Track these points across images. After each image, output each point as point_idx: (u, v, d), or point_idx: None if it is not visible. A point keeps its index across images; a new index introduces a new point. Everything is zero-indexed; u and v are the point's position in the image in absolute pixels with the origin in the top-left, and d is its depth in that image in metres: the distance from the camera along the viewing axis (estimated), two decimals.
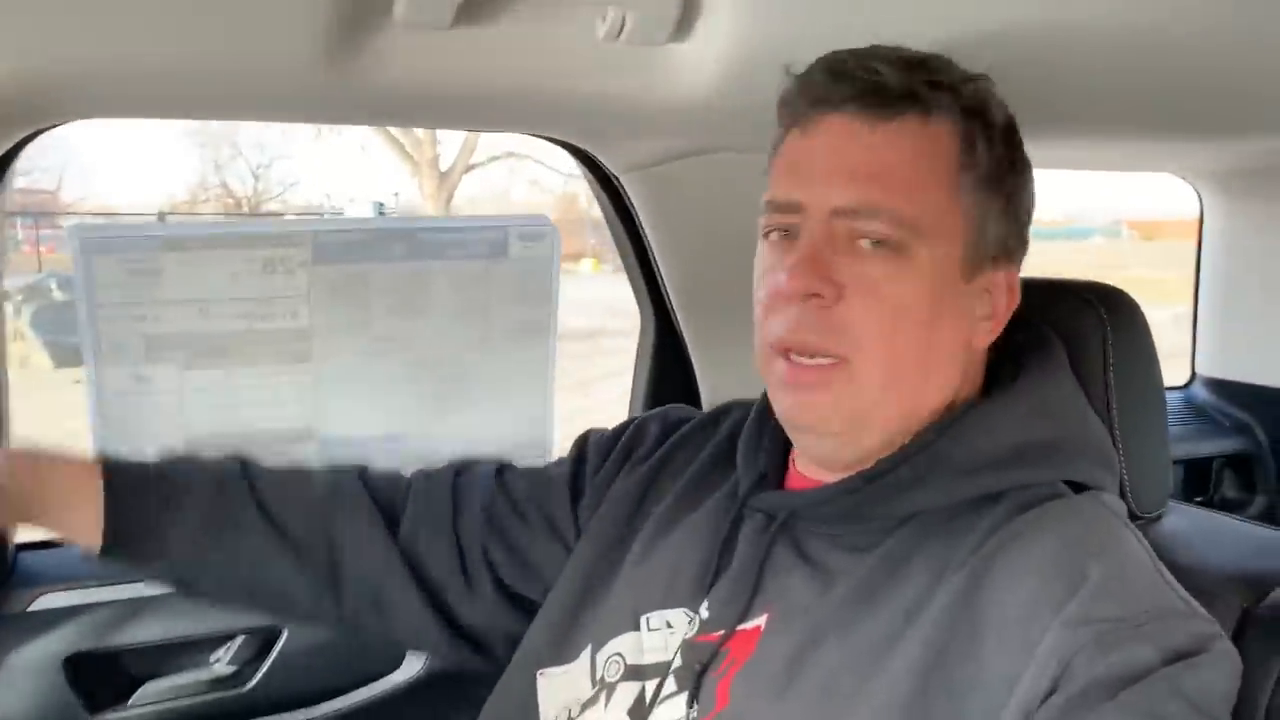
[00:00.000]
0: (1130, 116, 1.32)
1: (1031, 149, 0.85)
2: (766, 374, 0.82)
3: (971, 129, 0.79)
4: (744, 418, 0.95)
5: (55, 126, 1.05)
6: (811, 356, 0.78)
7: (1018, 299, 0.84)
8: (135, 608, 1.23)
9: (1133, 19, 0.92)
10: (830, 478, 0.84)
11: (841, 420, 0.79)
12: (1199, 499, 1.94)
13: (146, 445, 1.21)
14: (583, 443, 1.05)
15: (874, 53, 0.79)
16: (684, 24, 0.92)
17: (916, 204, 0.76)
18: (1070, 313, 0.95)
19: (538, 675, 0.92)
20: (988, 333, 0.83)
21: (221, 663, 1.30)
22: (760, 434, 0.91)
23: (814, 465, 0.86)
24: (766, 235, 0.82)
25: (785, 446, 0.90)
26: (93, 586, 1.22)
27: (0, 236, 1.17)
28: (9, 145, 1.05)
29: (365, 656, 1.33)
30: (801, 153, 0.80)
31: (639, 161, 1.31)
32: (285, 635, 1.29)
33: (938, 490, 0.79)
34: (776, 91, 0.99)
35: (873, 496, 0.80)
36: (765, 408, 0.91)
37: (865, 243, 0.76)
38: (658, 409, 1.07)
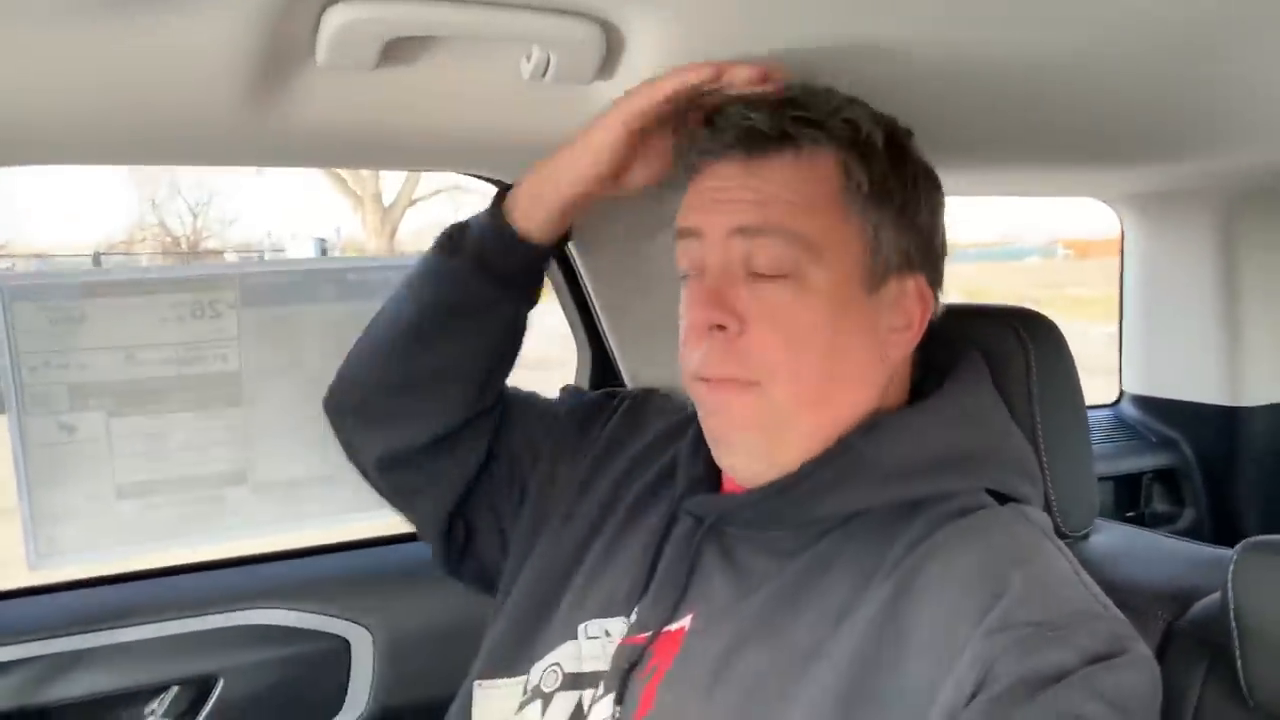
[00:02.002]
0: (1047, 145, 1.36)
1: (953, 177, 0.87)
2: (694, 402, 0.87)
3: (848, 155, 0.82)
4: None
5: None
6: (720, 379, 0.82)
7: (930, 306, 0.86)
8: (62, 663, 1.19)
9: (1047, 52, 0.94)
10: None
11: (759, 430, 0.82)
12: (1130, 514, 1.98)
13: (73, 494, 1.20)
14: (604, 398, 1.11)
15: (746, 99, 0.83)
16: (608, 63, 0.93)
17: (806, 225, 0.80)
18: (993, 337, 0.97)
19: (475, 687, 0.93)
20: (905, 343, 0.85)
21: (155, 716, 1.27)
22: (699, 444, 0.93)
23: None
24: (683, 277, 0.87)
25: None
26: (16, 643, 1.18)
27: None
28: None
29: (305, 702, 1.31)
30: (695, 193, 0.86)
31: None
32: (221, 684, 1.26)
33: (859, 493, 0.81)
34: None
35: (796, 499, 0.82)
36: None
37: (759, 270, 0.80)
38: (649, 391, 1.12)
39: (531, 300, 1.01)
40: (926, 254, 0.86)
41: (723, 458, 0.87)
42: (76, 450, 1.19)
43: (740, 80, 0.84)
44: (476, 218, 0.98)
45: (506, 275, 0.96)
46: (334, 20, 0.81)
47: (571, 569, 0.96)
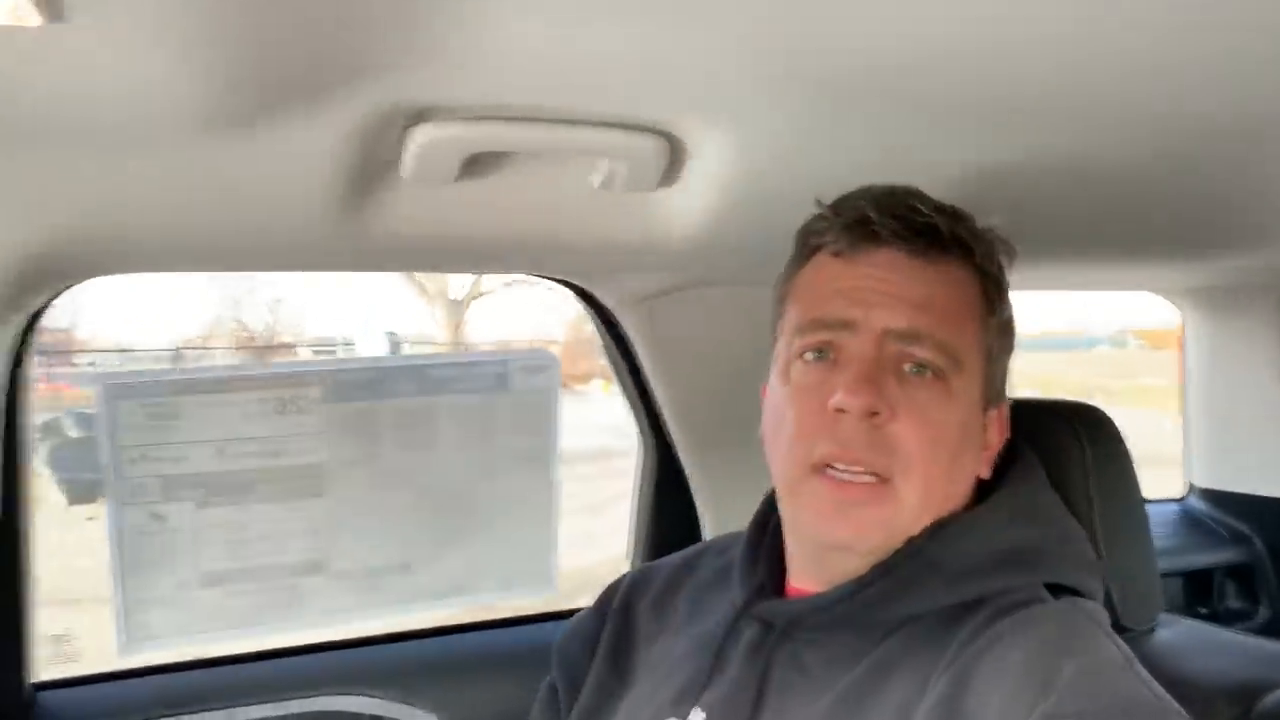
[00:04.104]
0: (1103, 241, 1.38)
1: (1009, 273, 0.90)
2: (796, 494, 0.84)
3: (998, 280, 0.87)
4: (728, 546, 0.99)
5: (84, 281, 1.11)
6: (855, 471, 0.80)
7: (1008, 432, 0.89)
8: None
9: (1100, 149, 0.97)
10: (824, 589, 0.86)
11: (880, 537, 0.82)
12: (1203, 610, 1.94)
13: (162, 582, 1.25)
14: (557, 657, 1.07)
15: (909, 194, 0.84)
16: (671, 172, 0.99)
17: (956, 337, 0.82)
18: (1048, 432, 0.98)
19: None
20: (988, 463, 0.88)
21: None
22: (757, 550, 0.94)
23: (815, 579, 0.88)
24: (801, 355, 0.85)
25: (780, 561, 0.93)
26: None
27: (26, 393, 1.21)
28: (42, 302, 1.11)
29: None
30: (848, 278, 0.84)
31: (633, 295, 1.37)
32: None
33: (930, 594, 0.81)
34: (757, 231, 1.05)
35: (870, 601, 0.82)
36: (759, 525, 0.95)
37: (909, 368, 0.81)
38: (622, 576, 1.09)
39: None
40: (1005, 388, 0.90)
41: (825, 560, 0.86)
42: (166, 539, 1.25)
43: None
44: None
45: None
46: (419, 138, 0.88)
47: (615, 695, 0.97)
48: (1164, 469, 2.14)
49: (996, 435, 0.88)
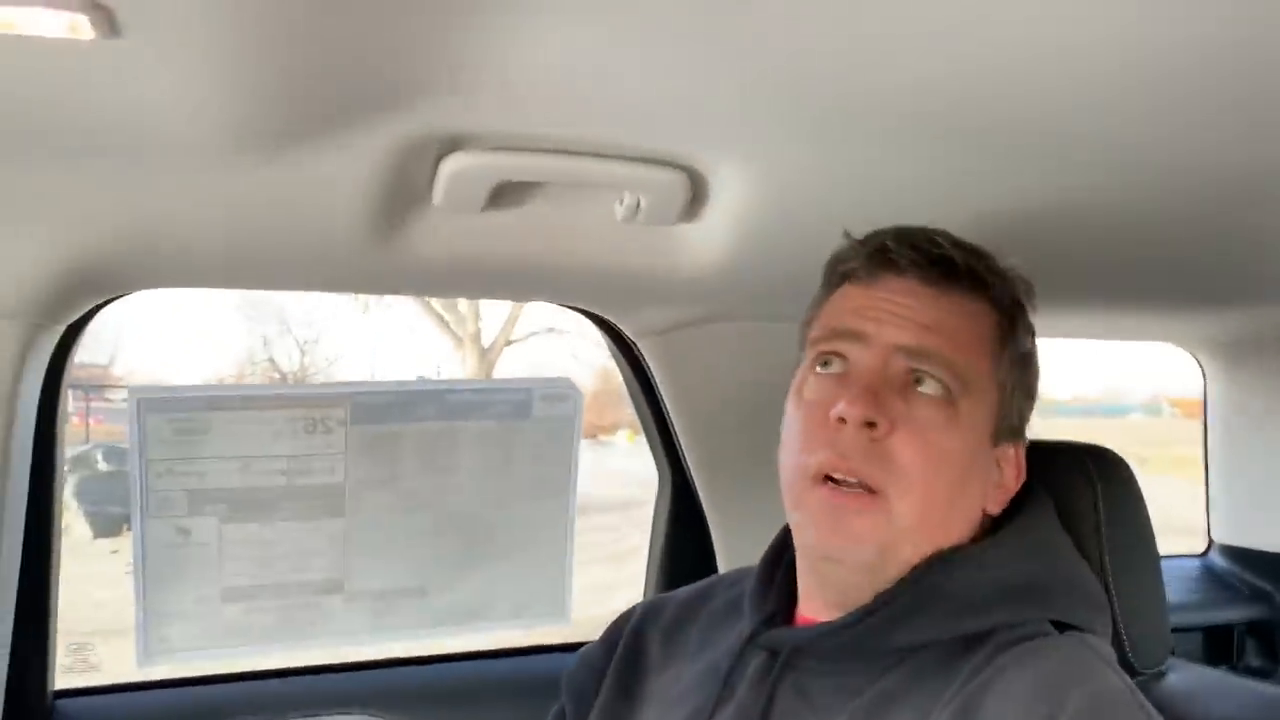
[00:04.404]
0: (1125, 287, 1.39)
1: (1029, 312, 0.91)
2: (800, 506, 0.86)
3: (1013, 314, 0.88)
4: (742, 579, 0.99)
5: (122, 296, 1.15)
6: (850, 483, 0.82)
7: (1024, 473, 0.90)
8: None
9: (1127, 197, 0.99)
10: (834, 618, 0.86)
11: (873, 548, 0.82)
12: (1225, 668, 1.92)
13: (185, 596, 1.27)
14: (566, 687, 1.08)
15: (932, 231, 0.87)
16: (693, 206, 1.01)
17: (966, 361, 0.84)
18: (1061, 472, 0.98)
19: None
20: (1000, 501, 0.88)
21: None
22: (769, 579, 0.94)
23: (823, 606, 0.88)
24: (813, 368, 0.87)
25: (792, 592, 0.93)
26: None
27: (63, 409, 1.25)
28: (80, 314, 1.14)
29: None
30: (865, 299, 0.86)
31: (654, 328, 1.39)
32: None
33: (935, 623, 0.82)
34: (777, 266, 1.07)
35: (873, 629, 0.82)
36: (773, 556, 0.96)
37: (915, 384, 0.83)
38: (633, 607, 1.09)
39: None
40: (1025, 427, 0.91)
41: (824, 574, 0.88)
42: (190, 553, 1.27)
43: None
44: None
45: None
46: (450, 167, 0.92)
47: (631, 715, 0.98)
48: (1187, 538, 2.14)
49: (1013, 476, 0.89)
